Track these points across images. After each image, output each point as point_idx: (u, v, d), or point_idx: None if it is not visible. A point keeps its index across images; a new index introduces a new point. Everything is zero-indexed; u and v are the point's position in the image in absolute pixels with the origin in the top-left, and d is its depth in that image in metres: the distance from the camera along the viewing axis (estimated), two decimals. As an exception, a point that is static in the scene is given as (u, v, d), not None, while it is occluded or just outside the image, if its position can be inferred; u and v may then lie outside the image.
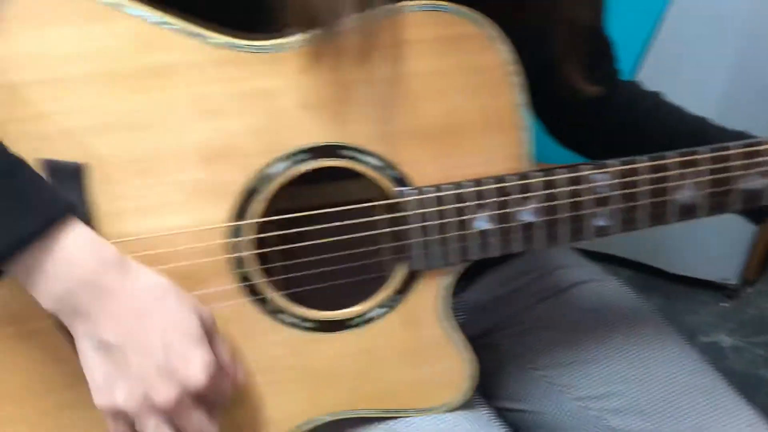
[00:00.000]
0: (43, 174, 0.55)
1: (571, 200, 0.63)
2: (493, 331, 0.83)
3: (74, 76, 0.54)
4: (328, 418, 0.66)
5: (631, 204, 0.64)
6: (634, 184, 0.63)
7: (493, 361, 0.82)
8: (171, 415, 0.53)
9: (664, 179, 0.63)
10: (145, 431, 0.53)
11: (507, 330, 0.82)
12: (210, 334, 0.56)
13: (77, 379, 0.60)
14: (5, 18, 0.53)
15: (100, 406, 0.54)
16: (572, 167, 0.63)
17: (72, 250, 0.52)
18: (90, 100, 0.55)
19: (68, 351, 0.59)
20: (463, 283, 0.66)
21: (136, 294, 0.53)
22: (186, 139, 0.57)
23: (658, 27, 1.46)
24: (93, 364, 0.53)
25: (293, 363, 0.64)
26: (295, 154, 0.59)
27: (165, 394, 0.52)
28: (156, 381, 0.52)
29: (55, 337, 0.59)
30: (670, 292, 1.80)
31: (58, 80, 0.54)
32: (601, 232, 0.65)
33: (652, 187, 0.63)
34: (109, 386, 0.53)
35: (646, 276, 1.81)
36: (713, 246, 1.71)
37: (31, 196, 0.51)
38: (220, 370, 0.55)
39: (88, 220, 0.56)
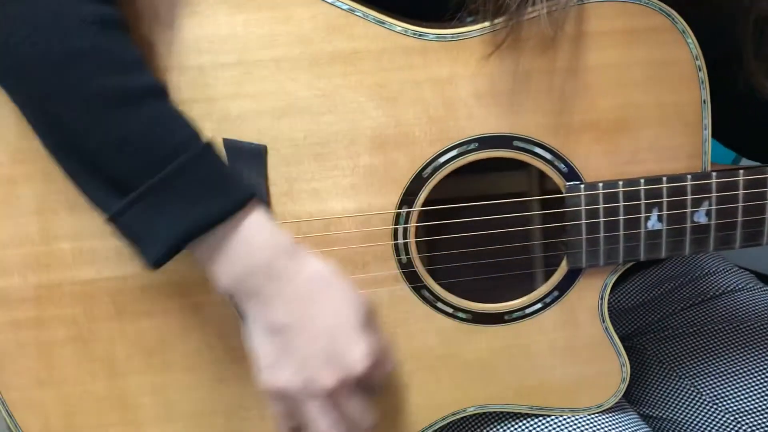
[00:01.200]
0: (224, 152, 0.57)
1: (751, 203, 0.60)
2: (636, 336, 0.81)
3: (262, 60, 0.56)
4: (475, 411, 0.66)
5: (816, 211, 0.60)
6: (822, 190, 0.59)
7: (636, 365, 0.79)
8: (331, 400, 0.54)
9: None
10: (305, 415, 0.54)
11: (652, 335, 0.80)
12: (370, 322, 0.56)
13: (237, 352, 0.62)
14: (202, 0, 0.55)
15: (265, 386, 0.55)
16: (754, 169, 0.60)
17: (253, 234, 0.53)
18: (275, 84, 0.57)
19: (233, 325, 0.62)
20: (609, 285, 0.64)
21: (307, 279, 0.54)
22: (362, 125, 0.58)
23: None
24: (261, 344, 0.54)
25: (445, 352, 0.64)
26: (466, 143, 0.59)
27: (327, 378, 0.53)
28: (319, 365, 0.53)
29: (220, 311, 0.61)
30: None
31: (247, 63, 0.56)
32: (779, 238, 0.61)
33: (843, 193, 0.59)
34: (275, 367, 0.54)
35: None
36: None
37: (220, 180, 0.53)
38: (377, 359, 0.55)
39: (266, 200, 0.58)
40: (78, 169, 0.53)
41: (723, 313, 0.78)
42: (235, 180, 0.53)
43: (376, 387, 0.57)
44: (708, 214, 0.60)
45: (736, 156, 0.97)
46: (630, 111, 0.59)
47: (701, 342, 0.77)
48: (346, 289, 0.55)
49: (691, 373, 0.76)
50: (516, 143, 0.59)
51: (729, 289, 0.80)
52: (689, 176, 0.59)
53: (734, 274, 0.82)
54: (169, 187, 0.51)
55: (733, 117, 0.73)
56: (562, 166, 0.60)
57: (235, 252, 0.53)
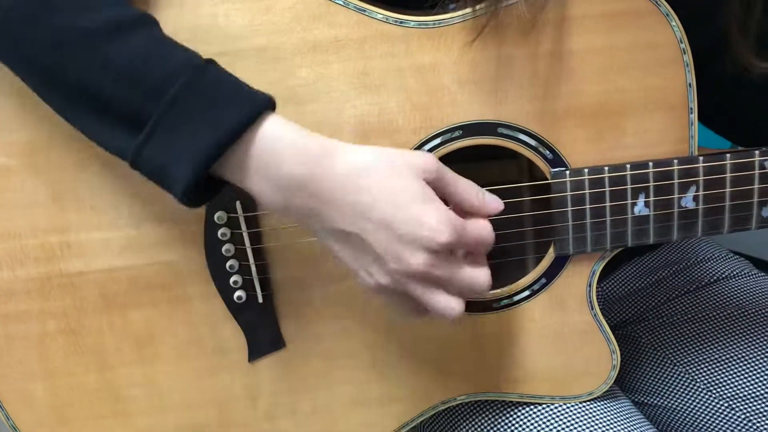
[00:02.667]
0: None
1: (738, 188, 0.59)
2: (630, 323, 0.80)
3: (244, 50, 0.56)
4: (465, 399, 0.66)
5: (805, 194, 0.59)
6: (810, 173, 0.59)
7: (630, 353, 0.79)
8: (431, 277, 0.51)
9: None
10: (415, 298, 0.52)
11: (646, 322, 0.79)
12: (438, 180, 0.52)
13: (226, 343, 0.63)
14: (182, -9, 0.56)
15: (366, 289, 0.53)
16: (740, 152, 0.59)
17: (275, 145, 0.50)
18: (257, 74, 0.56)
19: (222, 316, 0.62)
20: (600, 273, 0.64)
21: (346, 179, 0.50)
22: (346, 113, 0.58)
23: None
24: (340, 254, 0.52)
25: (435, 341, 0.64)
26: (450, 130, 0.59)
27: (414, 260, 0.49)
28: (400, 252, 0.49)
29: (209, 302, 0.62)
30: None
31: (229, 54, 0.56)
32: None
33: (831, 176, 0.59)
34: (363, 270, 0.52)
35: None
36: None
37: (231, 90, 0.50)
38: (462, 214, 0.52)
39: None
40: (89, 119, 0.52)
41: (717, 300, 0.77)
42: (245, 90, 0.51)
43: (479, 242, 0.53)
44: (695, 199, 0.60)
45: (732, 145, 0.96)
46: (615, 96, 0.58)
47: (695, 329, 0.76)
48: (392, 167, 0.51)
49: (686, 360, 0.76)
50: (500, 130, 0.59)
51: (724, 275, 0.79)
52: (676, 161, 0.59)
53: (729, 260, 0.82)
54: (178, 109, 0.49)
55: (722, 102, 0.73)
56: (547, 152, 0.59)
57: (265, 167, 0.50)
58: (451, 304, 0.52)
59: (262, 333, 0.63)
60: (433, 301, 0.52)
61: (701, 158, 0.59)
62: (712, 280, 0.79)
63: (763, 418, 0.70)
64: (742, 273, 0.80)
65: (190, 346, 0.63)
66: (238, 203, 0.59)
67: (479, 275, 0.53)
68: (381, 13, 0.56)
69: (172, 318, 0.62)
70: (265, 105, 0.50)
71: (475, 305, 0.63)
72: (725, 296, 0.78)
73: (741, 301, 0.77)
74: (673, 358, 0.77)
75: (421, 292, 0.51)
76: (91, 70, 0.50)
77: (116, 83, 0.50)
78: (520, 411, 0.66)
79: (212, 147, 0.49)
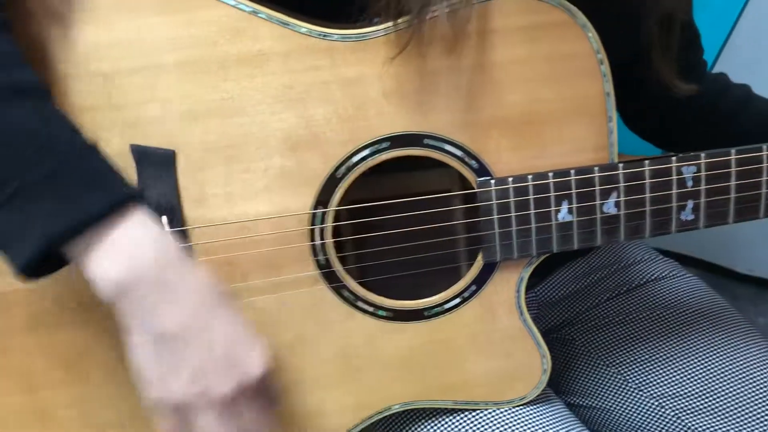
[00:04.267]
0: (132, 160, 0.57)
1: (657, 193, 0.61)
2: (564, 327, 0.82)
3: (167, 64, 0.56)
4: (400, 408, 0.66)
5: (720, 198, 0.62)
6: (723, 177, 0.61)
7: (564, 356, 0.81)
8: (228, 409, 0.52)
9: (756, 172, 0.61)
10: (199, 427, 0.52)
11: (579, 325, 0.81)
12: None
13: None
14: (99, 6, 0.55)
15: (156, 400, 0.52)
16: (658, 159, 0.61)
17: (136, 238, 0.50)
18: (181, 88, 0.56)
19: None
20: (534, 278, 0.65)
21: (196, 288, 0.52)
22: (272, 126, 0.58)
23: (736, 23, 1.41)
24: (148, 357, 0.51)
25: (368, 351, 0.64)
26: (378, 142, 0.59)
27: (225, 384, 0.51)
28: (216, 372, 0.51)
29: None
30: (737, 292, 1.74)
31: (151, 68, 0.56)
32: (687, 225, 0.63)
33: (743, 181, 0.61)
34: (166, 379, 0.51)
35: (712, 275, 1.76)
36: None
37: (100, 178, 0.50)
38: (271, 366, 0.54)
39: (176, 205, 0.57)
40: None
41: (647, 301, 0.80)
42: (116, 180, 0.50)
43: (273, 395, 0.55)
44: (617, 204, 0.62)
45: (663, 152, 1.00)
46: (536, 106, 0.60)
47: (626, 330, 0.79)
48: (231, 299, 0.54)
49: (618, 362, 0.78)
50: (427, 141, 0.60)
51: (653, 277, 0.82)
52: (597, 168, 0.61)
53: (658, 262, 0.84)
54: (44, 186, 0.48)
55: (644, 110, 0.75)
56: (473, 162, 0.60)
57: (118, 255, 0.49)
58: None
59: (194, 348, 0.62)
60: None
61: (621, 165, 0.61)
62: (642, 282, 0.82)
63: (691, 415, 0.72)
64: (671, 274, 0.83)
65: (121, 363, 0.62)
66: (164, 218, 0.58)
67: (264, 427, 0.54)
68: (305, 26, 0.57)
69: (101, 335, 0.61)
70: (132, 196, 0.50)
71: (408, 314, 0.64)
72: (654, 297, 0.80)
73: (668, 302, 0.79)
74: (606, 360, 0.79)
75: (209, 423, 0.51)
76: None
77: None
78: (455, 418, 0.67)
79: (68, 230, 0.48)
